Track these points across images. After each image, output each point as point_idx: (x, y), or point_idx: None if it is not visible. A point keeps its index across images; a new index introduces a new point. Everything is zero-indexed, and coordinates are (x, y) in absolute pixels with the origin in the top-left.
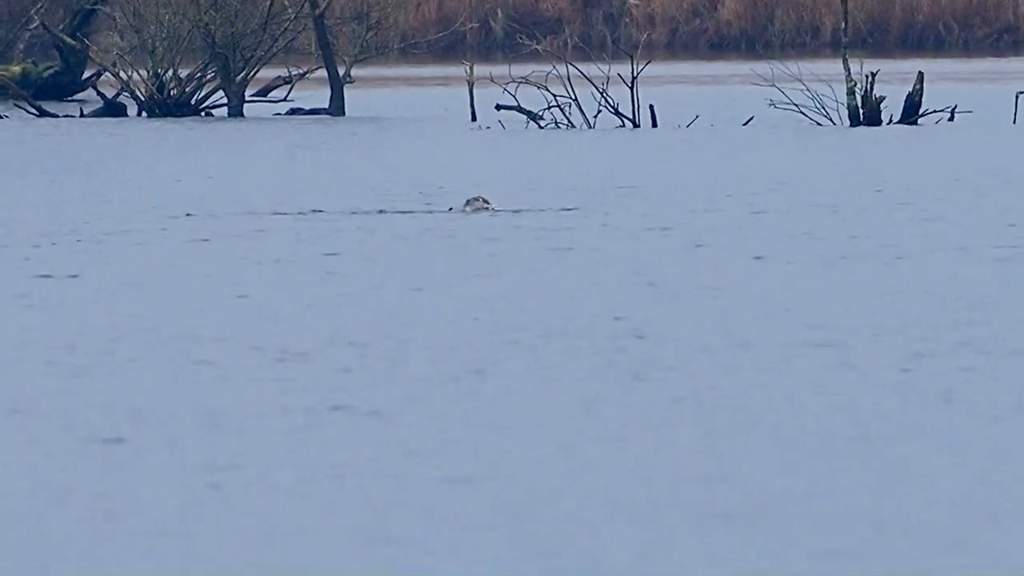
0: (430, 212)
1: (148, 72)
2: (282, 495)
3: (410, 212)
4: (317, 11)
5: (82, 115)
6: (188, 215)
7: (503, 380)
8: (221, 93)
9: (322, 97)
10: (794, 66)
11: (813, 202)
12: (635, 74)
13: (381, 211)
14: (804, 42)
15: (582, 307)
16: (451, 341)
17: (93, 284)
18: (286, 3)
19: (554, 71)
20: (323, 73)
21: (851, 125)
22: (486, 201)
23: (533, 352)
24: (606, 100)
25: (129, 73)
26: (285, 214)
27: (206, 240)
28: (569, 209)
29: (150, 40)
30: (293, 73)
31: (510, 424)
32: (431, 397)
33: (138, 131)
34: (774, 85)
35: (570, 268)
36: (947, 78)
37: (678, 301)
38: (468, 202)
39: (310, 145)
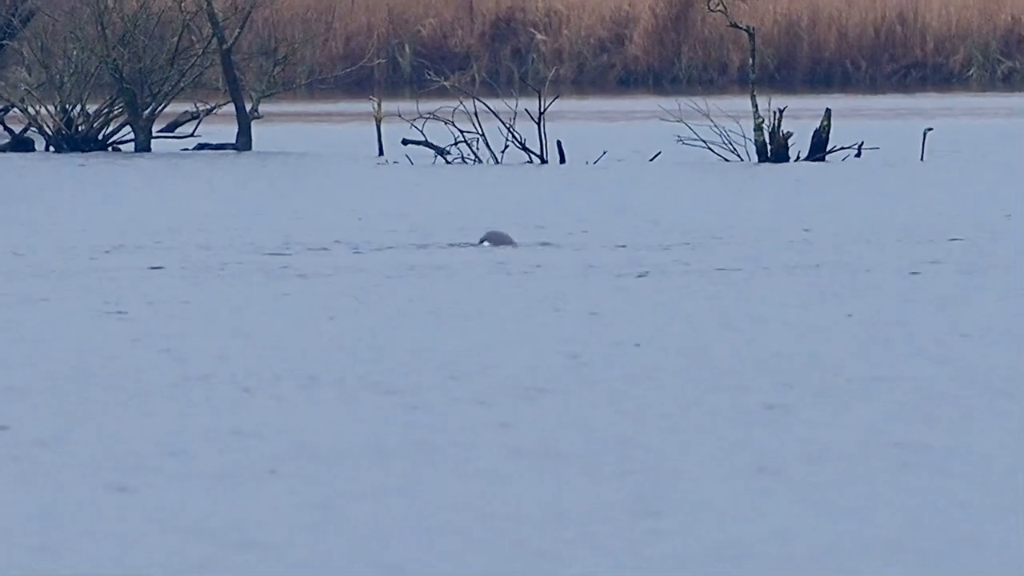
0: (335, 247)
1: (56, 107)
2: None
3: (322, 249)
4: (224, 46)
5: None
6: (106, 252)
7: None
8: (128, 128)
9: (230, 132)
10: (702, 102)
11: (717, 235)
12: (542, 109)
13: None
14: (712, 78)
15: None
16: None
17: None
18: (194, 39)
19: (461, 106)
20: (231, 108)
21: (759, 161)
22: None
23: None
24: (513, 135)
25: (37, 108)
26: (178, 249)
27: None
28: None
29: (58, 75)
30: (200, 108)
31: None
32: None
33: (45, 166)
34: (682, 121)
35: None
36: (855, 114)
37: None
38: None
39: (216, 180)
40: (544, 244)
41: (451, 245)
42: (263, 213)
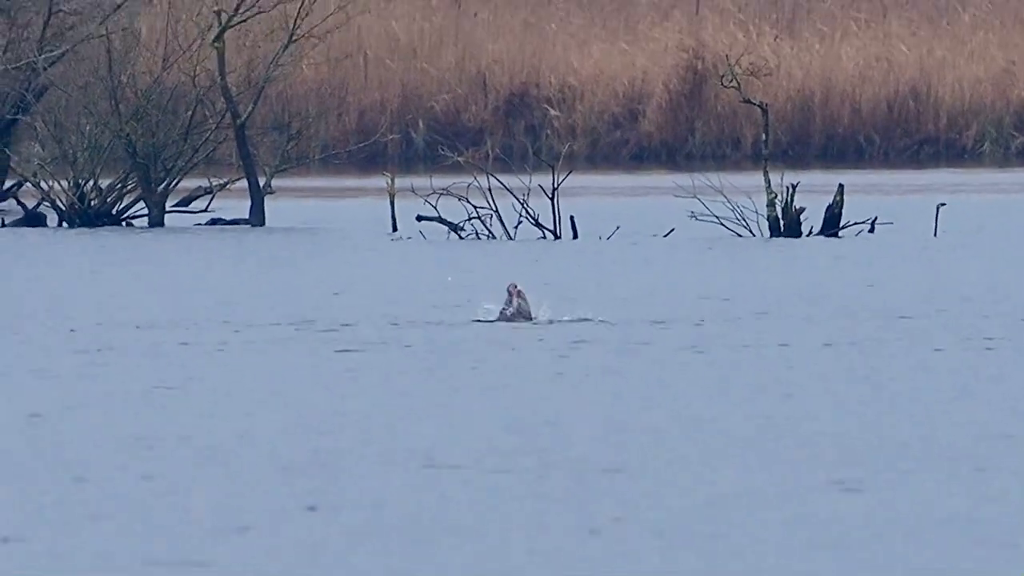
0: (350, 326)
1: (69, 182)
2: None
3: (332, 331)
4: (238, 121)
5: (2, 225)
6: (97, 324)
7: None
8: (142, 203)
9: (243, 207)
10: (715, 178)
11: (733, 312)
12: (556, 185)
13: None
14: (725, 154)
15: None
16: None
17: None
18: (207, 113)
19: (475, 182)
20: (244, 183)
21: (771, 236)
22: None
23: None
24: (527, 211)
25: (50, 183)
26: (195, 326)
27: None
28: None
29: (71, 150)
30: (214, 183)
31: None
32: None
33: (57, 242)
34: (695, 196)
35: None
36: (868, 190)
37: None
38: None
39: (229, 256)
40: (570, 320)
41: (474, 321)
42: (285, 289)
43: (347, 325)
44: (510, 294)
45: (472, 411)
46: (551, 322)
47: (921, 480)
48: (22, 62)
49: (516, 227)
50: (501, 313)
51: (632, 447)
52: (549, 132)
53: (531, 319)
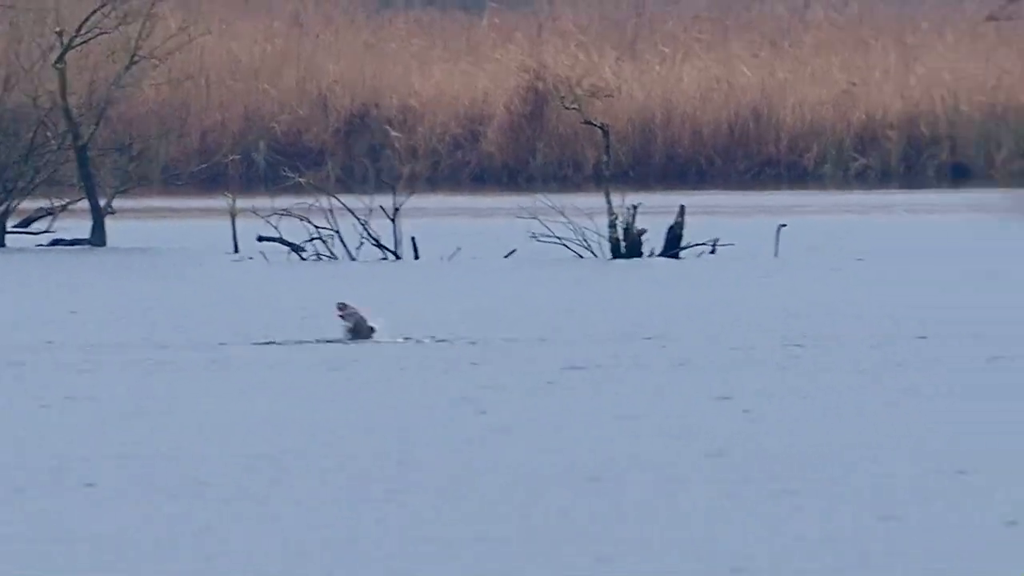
0: (189, 348)
1: None
2: None
3: (166, 347)
4: (80, 142)
5: None
6: None
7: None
8: None
9: (84, 228)
10: (556, 199)
11: (569, 333)
12: (397, 206)
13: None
14: (566, 175)
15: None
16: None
17: None
18: (49, 135)
19: (316, 203)
20: (85, 204)
21: (612, 258)
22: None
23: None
24: (368, 232)
25: None
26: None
27: None
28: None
29: None
30: (55, 204)
31: None
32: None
33: None
34: (536, 218)
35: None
36: (709, 211)
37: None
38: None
39: (72, 277)
40: (408, 339)
41: (319, 341)
42: (124, 310)
43: (183, 346)
44: (341, 312)
45: (326, 425)
46: (397, 340)
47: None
48: None
49: (357, 248)
50: (346, 332)
51: (479, 463)
52: (390, 153)
53: (372, 330)
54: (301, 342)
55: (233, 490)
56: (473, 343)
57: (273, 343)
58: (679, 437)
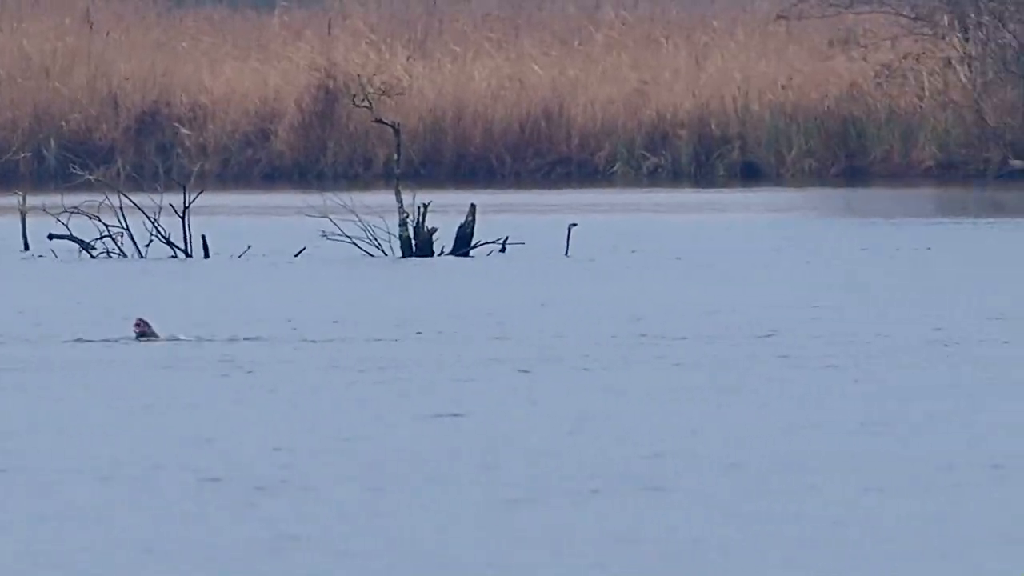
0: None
1: None
2: None
3: None
4: None
5: None
6: None
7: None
8: None
9: None
10: (347, 197)
11: (364, 330)
12: (187, 204)
13: None
14: (357, 173)
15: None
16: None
17: None
18: None
19: (107, 201)
20: None
21: (403, 256)
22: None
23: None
24: (158, 230)
25: None
26: None
27: None
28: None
29: None
30: None
31: None
32: None
33: None
34: (327, 216)
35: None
36: (500, 210)
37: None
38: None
39: None
40: (192, 339)
41: (106, 340)
42: None
43: None
44: (139, 329)
45: (136, 428)
46: (178, 340)
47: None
48: None
49: (147, 246)
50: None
51: (296, 466)
52: (180, 151)
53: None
54: (81, 340)
55: None
56: (254, 340)
57: (84, 340)
58: (446, 430)
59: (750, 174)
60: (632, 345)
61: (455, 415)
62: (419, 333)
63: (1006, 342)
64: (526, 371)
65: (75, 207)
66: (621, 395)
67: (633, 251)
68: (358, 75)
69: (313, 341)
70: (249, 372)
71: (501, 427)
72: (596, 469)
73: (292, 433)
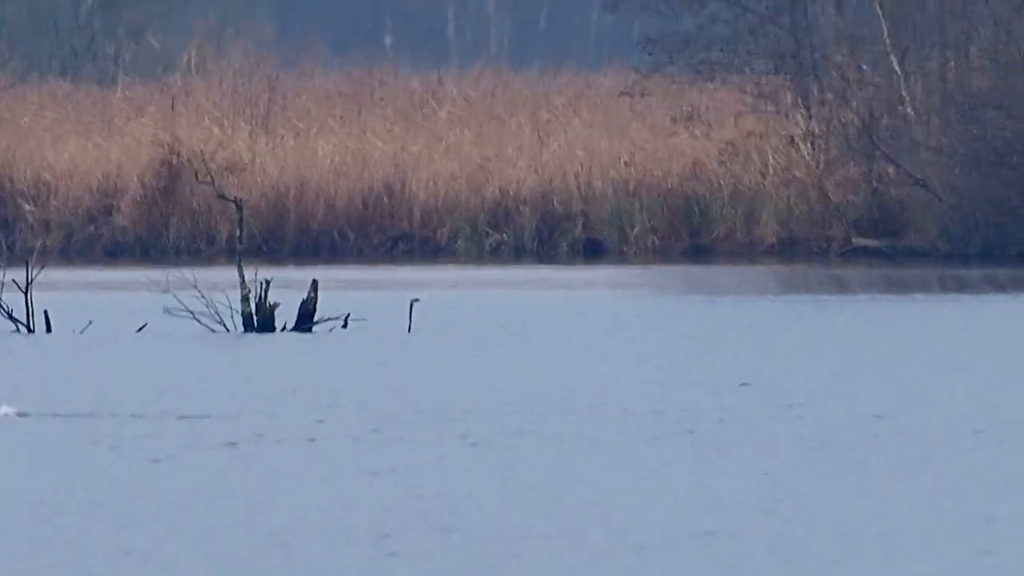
0: None
1: None
2: None
3: None
4: None
5: None
6: None
7: None
8: None
9: None
10: (190, 273)
11: (183, 410)
12: (29, 280)
13: None
14: (200, 249)
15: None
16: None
17: None
18: None
19: None
20: None
21: (245, 331)
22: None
23: None
24: (0, 304)
25: None
26: None
27: None
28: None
29: None
30: None
31: None
32: None
33: None
34: (169, 291)
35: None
36: (342, 286)
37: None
38: None
39: None
40: (23, 414)
41: None
42: None
43: None
44: None
45: None
46: (18, 415)
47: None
48: None
49: None
50: None
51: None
52: (23, 226)
53: None
54: None
55: None
56: (92, 417)
57: None
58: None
59: (593, 251)
60: (474, 420)
61: (282, 490)
62: (265, 414)
63: (848, 412)
64: (358, 442)
65: None
66: (463, 471)
67: (475, 327)
68: (201, 151)
69: (141, 416)
70: (76, 445)
71: (321, 495)
72: (395, 528)
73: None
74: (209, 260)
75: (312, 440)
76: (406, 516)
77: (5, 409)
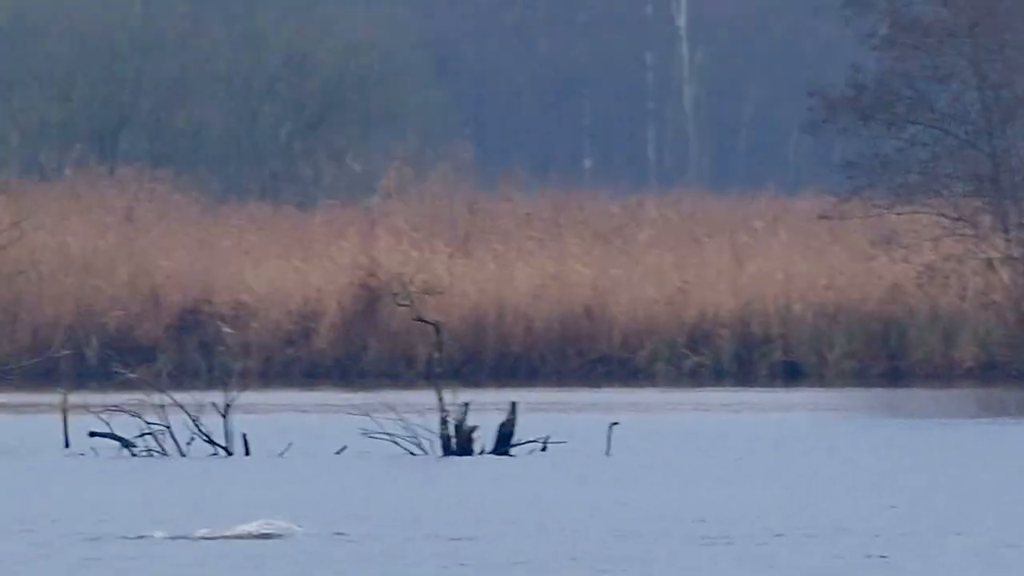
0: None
1: None
2: None
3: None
4: None
5: None
6: None
7: None
8: None
9: None
10: (388, 395)
11: (401, 531)
12: (228, 402)
13: None
14: (398, 371)
15: None
16: None
17: None
18: None
19: (148, 398)
20: None
21: (443, 455)
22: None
23: None
24: (199, 428)
25: None
26: None
27: None
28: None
29: None
30: None
31: None
32: None
33: None
34: (368, 415)
35: None
36: (541, 408)
37: None
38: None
39: None
40: (235, 536)
41: (168, 538)
42: None
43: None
44: None
45: None
46: (215, 538)
47: None
48: None
49: (188, 443)
50: None
51: None
52: (223, 349)
53: None
54: (141, 536)
55: None
56: (288, 537)
57: (148, 536)
58: None
59: (792, 374)
60: (680, 547)
61: None
62: (468, 539)
63: None
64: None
65: (116, 405)
66: None
67: (674, 449)
68: (399, 273)
69: (348, 537)
70: (273, 567)
71: None
72: None
73: None
74: (407, 383)
75: (522, 563)
76: None
77: (252, 526)
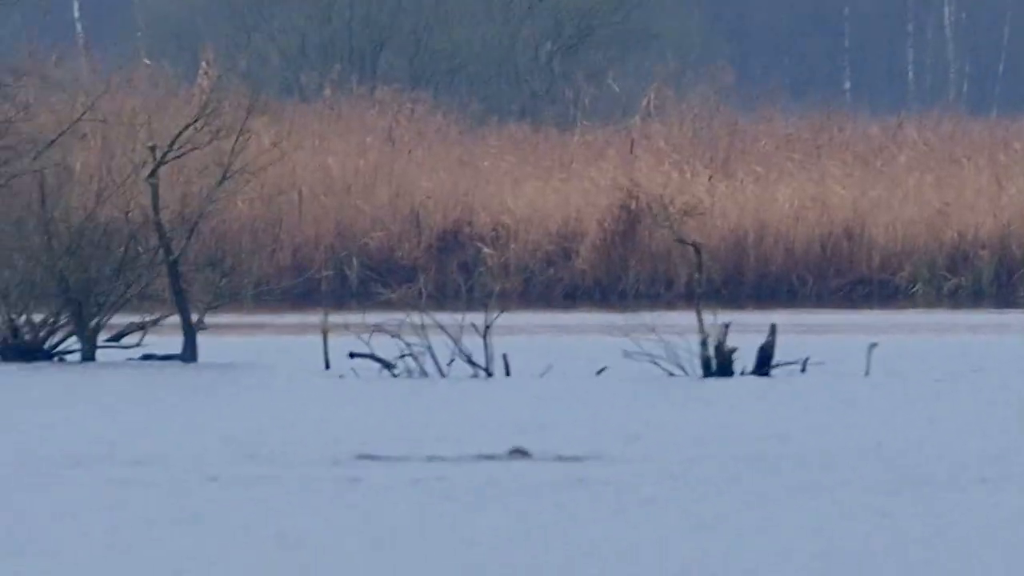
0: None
1: (2, 317)
2: None
3: (292, 465)
4: (171, 257)
5: None
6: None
7: None
8: (74, 337)
9: (175, 343)
10: (648, 316)
11: (667, 454)
12: (488, 323)
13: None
14: (658, 293)
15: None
16: None
17: None
18: (140, 249)
19: (408, 319)
20: (176, 319)
21: (704, 376)
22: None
23: None
24: (459, 349)
25: None
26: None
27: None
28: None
29: (4, 285)
30: (146, 319)
31: None
32: None
33: None
34: (628, 336)
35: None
36: (800, 330)
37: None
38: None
39: (161, 392)
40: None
41: (425, 459)
42: (215, 426)
43: (309, 462)
44: None
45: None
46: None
47: None
48: None
49: (448, 364)
50: None
51: None
52: (482, 270)
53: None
54: (404, 458)
55: None
56: (577, 459)
57: (407, 459)
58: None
59: None
60: (926, 464)
61: (735, 536)
62: (738, 458)
63: None
64: (840, 500)
65: (376, 325)
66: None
67: (937, 377)
68: (660, 195)
69: (614, 459)
70: (576, 489)
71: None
72: None
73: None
74: (668, 304)
75: (785, 488)
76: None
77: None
